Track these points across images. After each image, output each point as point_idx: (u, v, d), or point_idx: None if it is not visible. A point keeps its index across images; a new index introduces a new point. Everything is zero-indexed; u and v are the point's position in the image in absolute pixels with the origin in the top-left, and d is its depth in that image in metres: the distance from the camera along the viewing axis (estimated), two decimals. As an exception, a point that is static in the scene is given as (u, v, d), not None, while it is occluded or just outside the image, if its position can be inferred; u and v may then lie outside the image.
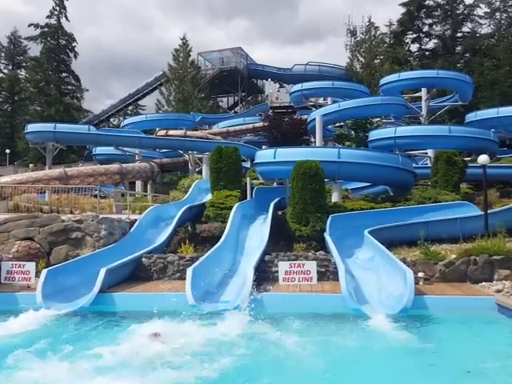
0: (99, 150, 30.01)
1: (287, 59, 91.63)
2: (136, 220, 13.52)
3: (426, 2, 42.82)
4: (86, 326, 7.95)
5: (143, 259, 11.33)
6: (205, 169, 24.18)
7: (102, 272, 9.56)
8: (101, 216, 12.66)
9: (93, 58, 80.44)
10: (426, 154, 22.58)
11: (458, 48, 42.27)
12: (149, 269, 11.23)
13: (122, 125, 36.34)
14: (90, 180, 19.62)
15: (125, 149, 26.72)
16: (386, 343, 6.54)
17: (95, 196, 15.45)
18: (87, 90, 46.76)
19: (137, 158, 26.79)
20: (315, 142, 25.37)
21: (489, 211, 12.82)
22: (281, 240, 13.39)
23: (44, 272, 9.55)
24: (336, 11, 77.00)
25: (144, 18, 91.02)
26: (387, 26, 43.85)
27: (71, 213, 13.47)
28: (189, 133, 30.28)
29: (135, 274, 11.16)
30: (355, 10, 56.97)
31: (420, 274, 9.92)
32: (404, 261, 10.10)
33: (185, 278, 9.26)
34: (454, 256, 10.60)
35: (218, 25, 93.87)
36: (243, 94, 48.00)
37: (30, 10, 72.44)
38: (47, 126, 26.49)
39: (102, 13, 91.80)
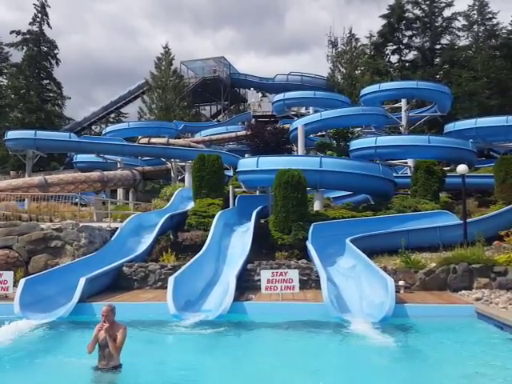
0: (80, 157, 29.61)
1: (273, 69, 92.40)
2: (117, 228, 13.39)
3: (406, 15, 43.66)
4: (61, 336, 7.77)
5: (124, 268, 11.19)
6: (187, 177, 24.08)
7: (82, 281, 9.41)
8: (81, 224, 12.51)
9: (79, 66, 79.59)
10: (406, 163, 22.92)
11: (437, 59, 43.12)
12: (130, 278, 11.10)
13: (103, 132, 35.94)
14: (71, 188, 19.30)
15: (106, 156, 26.43)
16: (366, 352, 6.56)
17: (76, 204, 15.21)
18: (69, 98, 46.08)
19: (119, 165, 26.52)
20: (297, 151, 25.54)
21: (468, 220, 13.08)
22: (263, 248, 13.40)
23: (22, 281, 9.37)
24: (321, 22, 78.11)
25: (131, 26, 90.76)
26: (368, 37, 44.63)
27: (51, 221, 13.22)
28: (171, 141, 30.14)
29: (116, 283, 11.01)
30: (339, 21, 57.90)
31: (401, 283, 10.02)
32: (385, 269, 10.19)
33: (166, 287, 9.19)
34: (434, 264, 10.75)
35: (204, 34, 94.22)
36: (226, 102, 48.07)
37: (14, 16, 71.36)
38: (27, 133, 26.00)
39: (89, 21, 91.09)
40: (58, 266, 11.05)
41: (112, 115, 49.38)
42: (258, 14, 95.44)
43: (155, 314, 8.65)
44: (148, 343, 7.09)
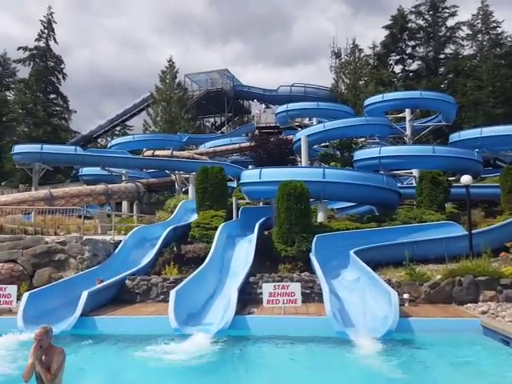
0: (86, 170, 29.81)
1: (280, 80, 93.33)
2: (121, 241, 13.41)
3: (409, 25, 43.87)
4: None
5: (127, 281, 11.15)
6: (191, 189, 24.08)
7: (84, 295, 9.41)
8: (85, 237, 12.55)
9: (89, 80, 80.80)
10: (411, 173, 22.78)
11: (441, 69, 43.15)
12: (132, 291, 11.06)
13: (109, 145, 36.20)
14: (76, 201, 19.44)
15: (111, 169, 26.59)
16: (368, 368, 6.42)
17: (80, 217, 15.27)
18: (75, 112, 46.74)
19: (123, 178, 26.64)
20: (301, 162, 25.51)
21: (473, 231, 12.91)
22: (267, 260, 13.28)
23: (25, 295, 9.41)
24: (327, 34, 78.84)
25: (140, 40, 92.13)
26: (371, 48, 44.85)
27: (55, 234, 13.32)
28: (175, 153, 30.25)
29: (119, 296, 10.97)
30: (346, 33, 58.25)
31: (405, 296, 9.87)
32: (389, 282, 10.05)
33: (168, 301, 9.10)
34: (439, 277, 10.57)
35: (213, 48, 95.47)
36: (230, 114, 48.31)
37: (21, 32, 72.65)
38: (34, 147, 26.35)
39: (99, 35, 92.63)
40: (61, 280, 11.07)
41: (117, 128, 49.84)
42: (266, 27, 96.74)
43: (156, 328, 8.57)
44: (144, 360, 6.92)
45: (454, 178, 20.17)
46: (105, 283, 10.59)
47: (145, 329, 8.75)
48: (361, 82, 41.46)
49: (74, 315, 9.00)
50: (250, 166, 26.56)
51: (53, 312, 9.43)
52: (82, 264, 11.97)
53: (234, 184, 25.08)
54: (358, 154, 22.02)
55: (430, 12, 43.78)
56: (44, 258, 11.99)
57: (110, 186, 22.19)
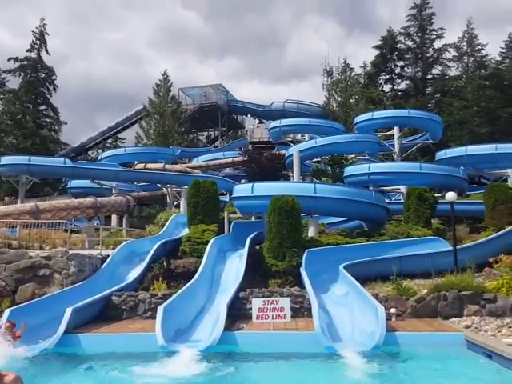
0: (74, 183, 29.56)
1: (275, 97, 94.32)
2: (108, 256, 13.18)
3: (398, 46, 44.88)
4: (40, 370, 7.47)
5: (113, 297, 10.99)
6: (183, 203, 24.09)
7: (68, 312, 9.20)
8: (70, 252, 12.24)
9: (84, 91, 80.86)
10: (399, 189, 23.14)
11: (429, 89, 44.12)
12: (119, 307, 10.89)
13: (99, 158, 36.11)
14: (63, 214, 19.18)
15: (101, 182, 26.46)
16: (355, 382, 6.50)
17: (67, 231, 15.14)
18: (65, 123, 46.54)
19: (114, 191, 26.53)
20: (293, 177, 25.75)
21: (458, 247, 13.13)
22: (257, 275, 13.32)
23: (7, 312, 9.19)
24: (320, 53, 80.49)
25: (137, 54, 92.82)
26: (362, 67, 45.78)
27: (41, 248, 13.07)
28: (167, 166, 30.29)
29: (104, 312, 10.79)
30: (339, 52, 59.31)
31: (392, 310, 10.00)
32: (376, 296, 10.18)
33: (156, 317, 9.03)
34: (425, 291, 10.74)
35: (208, 63, 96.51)
36: (223, 128, 48.65)
37: (13, 42, 72.75)
38: (21, 159, 25.88)
39: (95, 48, 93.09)
40: (45, 296, 10.77)
41: (109, 140, 49.74)
42: (261, 44, 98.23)
43: (143, 346, 8.46)
44: (129, 381, 6.79)
45: (440, 195, 20.51)
46: (90, 299, 10.36)
47: (131, 346, 8.58)
48: (351, 100, 42.27)
49: (57, 333, 8.78)
50: (242, 181, 26.71)
51: (36, 329, 9.17)
52: (66, 280, 11.61)
53: (226, 198, 25.18)
54: (349, 170, 22.34)
55: (419, 34, 44.90)
56: (28, 274, 11.61)
57: (98, 199, 21.97)
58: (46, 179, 32.51)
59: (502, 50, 42.42)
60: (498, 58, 42.05)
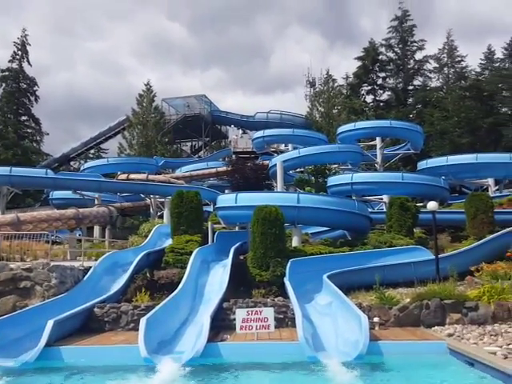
0: (56, 194, 29.15)
1: (259, 107, 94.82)
2: (91, 267, 13.06)
3: (380, 57, 45.75)
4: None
5: (95, 309, 10.86)
6: (166, 213, 23.89)
7: (49, 324, 9.06)
8: (52, 264, 12.11)
9: (67, 102, 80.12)
10: (382, 199, 23.38)
11: (410, 100, 45.00)
12: (101, 319, 10.75)
13: (82, 168, 35.76)
14: (44, 226, 18.89)
15: (84, 193, 26.16)
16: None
17: (48, 242, 14.92)
18: (47, 134, 46.15)
19: (96, 202, 26.23)
20: (277, 187, 25.83)
21: (440, 255, 13.31)
22: (241, 285, 13.27)
23: (-14, 325, 9.00)
24: (304, 64, 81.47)
25: (120, 64, 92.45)
26: (344, 78, 46.49)
27: (22, 260, 12.89)
28: (151, 177, 30.11)
29: (87, 325, 10.65)
30: (321, 63, 60.12)
31: (375, 319, 10.04)
32: (360, 306, 10.21)
33: (139, 329, 8.92)
34: (407, 300, 10.82)
35: (192, 74, 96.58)
36: (207, 139, 48.66)
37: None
38: (2, 170, 25.45)
39: (78, 58, 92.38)
40: (26, 308, 10.63)
41: (92, 151, 49.32)
42: (245, 55, 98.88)
43: (126, 358, 8.36)
44: None
45: (422, 204, 20.80)
46: (71, 311, 10.22)
47: (113, 359, 8.47)
48: (334, 111, 42.81)
49: (38, 346, 8.64)
50: (226, 191, 26.69)
51: (16, 342, 9.03)
52: (48, 292, 11.48)
53: (210, 208, 25.10)
54: (332, 180, 22.53)
55: (400, 45, 45.85)
56: (8, 286, 11.44)
57: (80, 210, 21.72)
58: (27, 190, 32.06)
59: (482, 62, 43.65)
60: (478, 70, 43.25)
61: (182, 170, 36.02)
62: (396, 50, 46.03)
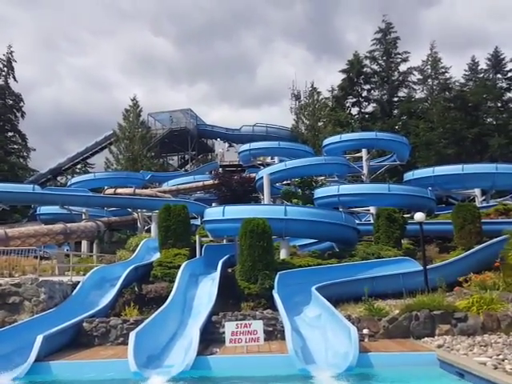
0: (44, 209, 28.89)
1: (245, 121, 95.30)
2: (79, 282, 13.01)
3: (364, 69, 46.51)
4: None
5: (84, 324, 10.80)
6: (154, 227, 23.83)
7: (39, 340, 9.02)
8: (41, 279, 12.08)
9: (53, 117, 79.64)
10: (369, 210, 23.54)
11: (395, 111, 45.68)
12: (90, 334, 10.69)
13: (69, 183, 35.51)
14: (32, 241, 18.79)
15: (71, 208, 25.97)
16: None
17: (36, 257, 14.81)
18: (34, 150, 45.86)
19: (84, 216, 26.04)
20: (264, 200, 25.91)
21: (428, 266, 13.43)
22: (230, 298, 13.25)
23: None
24: (290, 77, 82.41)
25: (106, 80, 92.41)
26: (330, 90, 47.05)
27: (10, 276, 12.82)
28: (138, 191, 30.02)
29: (76, 339, 10.58)
30: (307, 76, 60.99)
31: (365, 331, 10.05)
32: (349, 317, 10.23)
33: (128, 343, 8.86)
34: (397, 312, 10.81)
35: (179, 88, 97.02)
36: (193, 152, 48.72)
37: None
38: (-12, 186, 25.41)
39: (64, 74, 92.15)
40: (15, 324, 10.61)
41: (78, 166, 49.03)
42: (230, 70, 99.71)
43: (115, 372, 8.30)
44: None
45: (409, 215, 20.98)
46: (60, 326, 10.17)
47: (103, 373, 8.40)
48: (320, 123, 43.23)
49: (27, 361, 8.59)
50: (213, 204, 26.69)
51: (5, 358, 8.93)
52: (37, 307, 11.47)
53: (197, 222, 25.04)
54: (318, 192, 22.66)
55: (384, 57, 46.70)
56: None
57: (68, 225, 21.61)
58: (14, 206, 31.70)
59: (466, 73, 44.64)
60: (462, 81, 44.21)
61: (168, 184, 35.98)
62: (380, 62, 46.86)
